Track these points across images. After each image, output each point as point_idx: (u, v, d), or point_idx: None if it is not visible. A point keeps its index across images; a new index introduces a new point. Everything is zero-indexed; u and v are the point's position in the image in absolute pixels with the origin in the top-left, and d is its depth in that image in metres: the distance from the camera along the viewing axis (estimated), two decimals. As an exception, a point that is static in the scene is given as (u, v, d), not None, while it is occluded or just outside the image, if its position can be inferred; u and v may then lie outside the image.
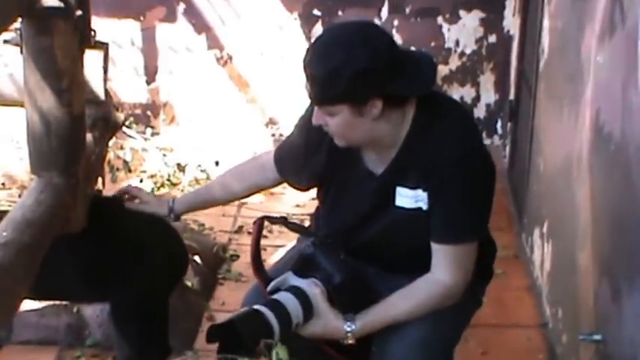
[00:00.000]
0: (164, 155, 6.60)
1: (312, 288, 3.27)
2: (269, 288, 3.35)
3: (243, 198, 3.95)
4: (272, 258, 4.50)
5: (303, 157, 3.54)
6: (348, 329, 3.28)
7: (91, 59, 4.17)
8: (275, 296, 3.25)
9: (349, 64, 3.07)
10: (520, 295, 4.89)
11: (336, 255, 3.39)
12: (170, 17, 6.92)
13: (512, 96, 6.35)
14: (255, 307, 3.19)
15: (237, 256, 5.26)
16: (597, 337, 3.41)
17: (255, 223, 3.51)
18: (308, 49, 3.20)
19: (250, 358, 3.06)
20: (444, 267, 3.31)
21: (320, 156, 3.44)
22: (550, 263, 4.60)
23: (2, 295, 3.03)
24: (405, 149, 3.26)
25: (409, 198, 3.29)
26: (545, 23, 5.02)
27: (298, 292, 3.24)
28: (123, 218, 4.06)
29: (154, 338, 4.17)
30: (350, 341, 3.31)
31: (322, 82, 3.12)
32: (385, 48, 3.17)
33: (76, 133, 3.79)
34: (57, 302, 4.57)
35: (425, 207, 3.27)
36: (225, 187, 3.87)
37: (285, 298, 3.22)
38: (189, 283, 4.85)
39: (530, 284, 4.98)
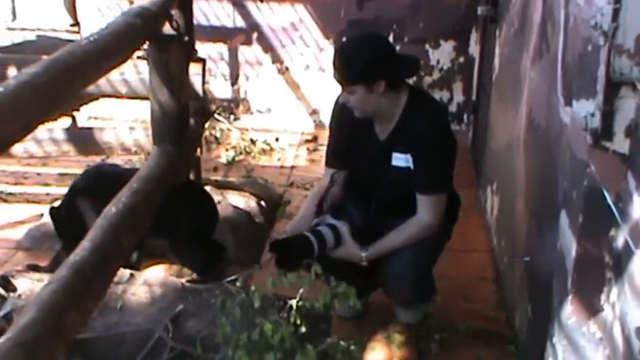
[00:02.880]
0: (242, 133, 6.58)
1: (342, 226, 3.36)
2: (312, 223, 3.41)
3: None
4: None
5: (339, 140, 3.58)
6: (363, 255, 3.38)
7: (194, 69, 4.17)
8: (317, 228, 3.34)
9: (362, 57, 3.20)
10: (477, 230, 4.86)
11: (359, 206, 3.44)
12: (247, 41, 6.89)
13: (474, 97, 6.29)
14: (305, 233, 3.29)
15: (289, 202, 5.23)
16: (527, 259, 3.41)
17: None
18: (336, 49, 3.29)
19: (294, 271, 3.12)
20: (425, 211, 3.38)
21: (347, 133, 3.50)
22: (497, 209, 4.57)
23: (136, 226, 3.05)
24: (399, 125, 3.36)
25: (401, 160, 3.38)
26: (497, 50, 4.97)
27: (333, 228, 3.34)
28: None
29: (204, 258, 4.20)
30: (364, 263, 3.39)
31: (344, 70, 3.22)
32: (386, 46, 3.34)
33: (182, 118, 3.82)
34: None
35: (412, 167, 3.35)
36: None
37: (324, 230, 3.32)
38: (257, 219, 4.84)
39: (483, 223, 4.95)
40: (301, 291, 3.11)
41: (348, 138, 3.52)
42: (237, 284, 3.28)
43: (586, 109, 2.40)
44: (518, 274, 3.67)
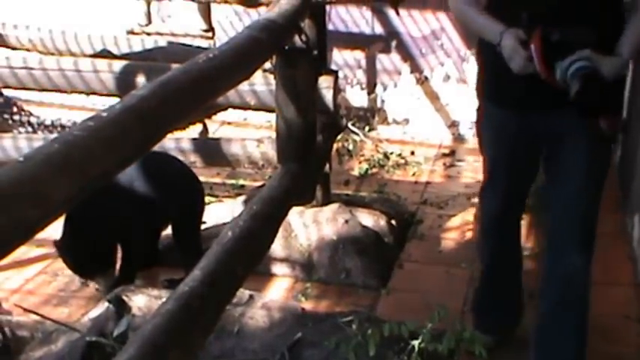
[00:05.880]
0: (376, 145, 6.41)
1: (585, 53, 2.84)
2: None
3: None
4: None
5: None
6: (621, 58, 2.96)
7: (325, 82, 4.07)
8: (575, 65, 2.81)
9: None
10: (621, 261, 4.58)
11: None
12: (386, 49, 6.76)
13: (625, 115, 6.02)
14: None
15: (422, 221, 5.04)
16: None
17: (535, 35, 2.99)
18: None
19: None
20: None
21: None
22: (645, 240, 4.31)
23: (253, 254, 2.94)
24: None
25: None
26: (649, 66, 4.73)
27: (584, 58, 2.81)
28: None
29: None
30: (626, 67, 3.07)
31: None
32: None
33: (309, 136, 3.71)
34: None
35: None
36: None
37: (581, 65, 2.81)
38: (386, 240, 4.66)
39: (630, 253, 4.66)
40: (429, 326, 2.94)
41: None
42: (353, 326, 3.09)
43: None
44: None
